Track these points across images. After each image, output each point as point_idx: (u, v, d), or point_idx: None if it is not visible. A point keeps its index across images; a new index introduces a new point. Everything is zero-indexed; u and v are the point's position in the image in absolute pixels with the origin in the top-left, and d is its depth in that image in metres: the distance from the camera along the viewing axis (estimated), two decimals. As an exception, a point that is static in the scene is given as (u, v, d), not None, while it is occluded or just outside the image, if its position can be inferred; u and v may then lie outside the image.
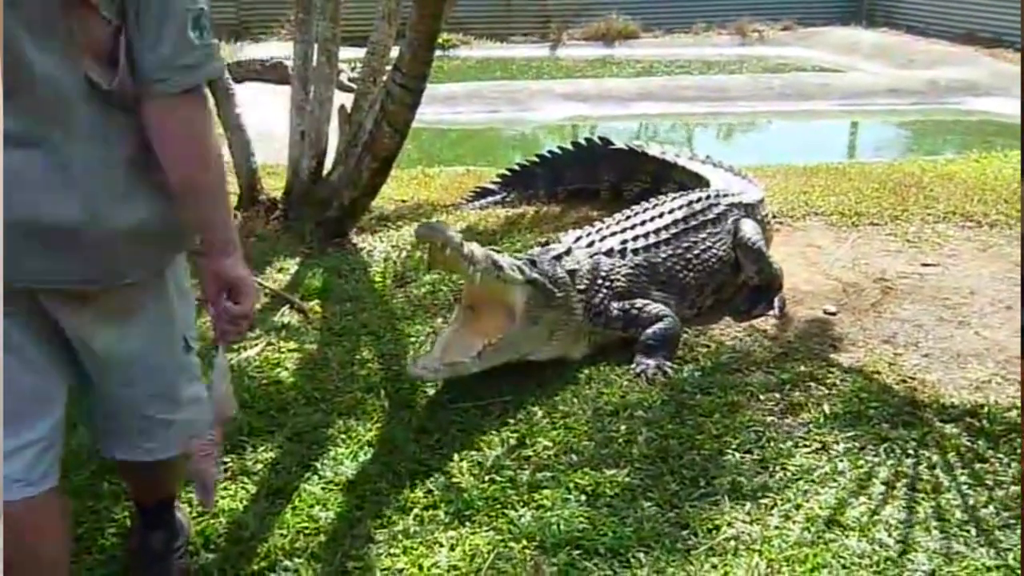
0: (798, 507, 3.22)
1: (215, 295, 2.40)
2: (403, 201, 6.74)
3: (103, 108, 2.11)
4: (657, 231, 4.72)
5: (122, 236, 2.20)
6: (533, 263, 4.18)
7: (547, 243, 4.69)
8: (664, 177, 6.23)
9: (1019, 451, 3.47)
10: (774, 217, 5.92)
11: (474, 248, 3.87)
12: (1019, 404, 3.76)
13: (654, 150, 6.52)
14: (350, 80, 10.36)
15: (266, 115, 8.43)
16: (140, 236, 2.24)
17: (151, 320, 2.42)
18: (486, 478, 3.39)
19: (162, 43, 2.09)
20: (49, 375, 2.31)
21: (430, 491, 3.32)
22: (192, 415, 2.58)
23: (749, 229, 4.99)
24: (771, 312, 4.72)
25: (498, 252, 4.23)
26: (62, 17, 2.01)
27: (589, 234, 4.71)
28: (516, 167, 6.98)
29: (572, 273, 4.31)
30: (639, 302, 4.38)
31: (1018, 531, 3.05)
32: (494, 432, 3.68)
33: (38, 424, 2.26)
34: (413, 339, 4.49)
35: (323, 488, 3.35)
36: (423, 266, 5.14)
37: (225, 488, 3.35)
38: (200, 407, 2.59)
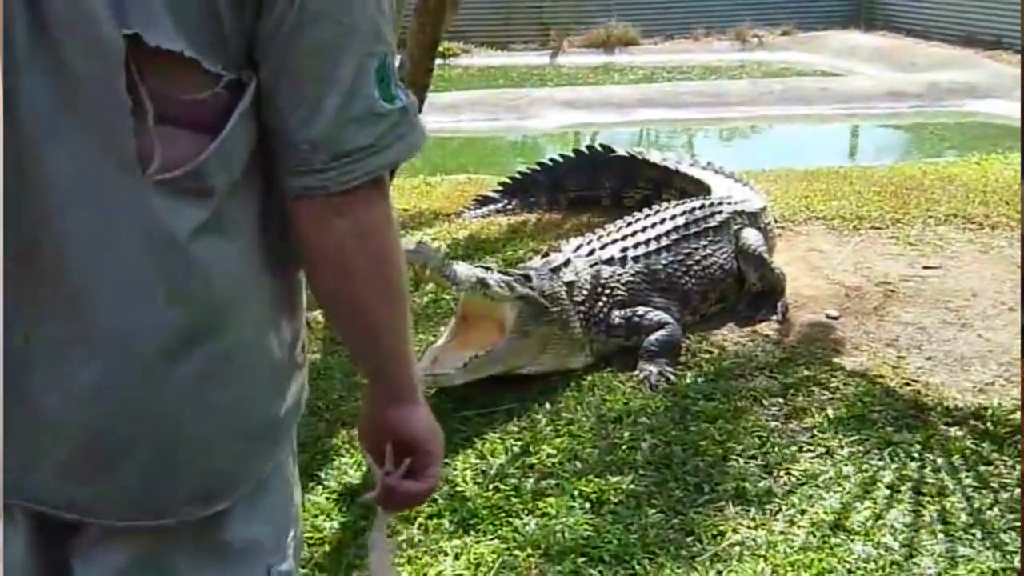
0: (803, 512, 3.22)
1: (377, 449, 1.59)
2: (405, 210, 6.75)
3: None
4: (658, 237, 4.72)
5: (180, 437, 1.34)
6: (528, 278, 4.17)
7: (547, 252, 4.68)
8: (665, 184, 6.22)
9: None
10: (776, 222, 5.92)
11: (458, 269, 3.88)
12: (1023, 405, 3.76)
13: (655, 157, 6.51)
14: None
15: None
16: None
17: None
18: (490, 486, 3.39)
19: (322, 112, 1.28)
20: None
21: (434, 500, 3.31)
22: None
23: (751, 237, 4.99)
24: (773, 317, 4.72)
25: (490, 266, 4.23)
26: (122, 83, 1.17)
27: (590, 242, 4.71)
28: (517, 175, 6.97)
29: (570, 285, 4.31)
30: (640, 309, 4.38)
31: (1024, 533, 3.05)
32: (498, 440, 3.69)
33: None
34: (416, 348, 4.48)
35: (327, 498, 3.35)
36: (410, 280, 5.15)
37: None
38: None
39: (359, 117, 1.29)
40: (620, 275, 4.49)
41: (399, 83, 1.34)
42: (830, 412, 3.81)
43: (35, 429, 1.26)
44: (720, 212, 5.04)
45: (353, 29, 1.27)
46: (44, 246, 1.21)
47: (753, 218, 5.22)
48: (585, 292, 4.35)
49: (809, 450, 3.59)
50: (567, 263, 4.43)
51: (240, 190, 1.30)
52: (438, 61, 5.79)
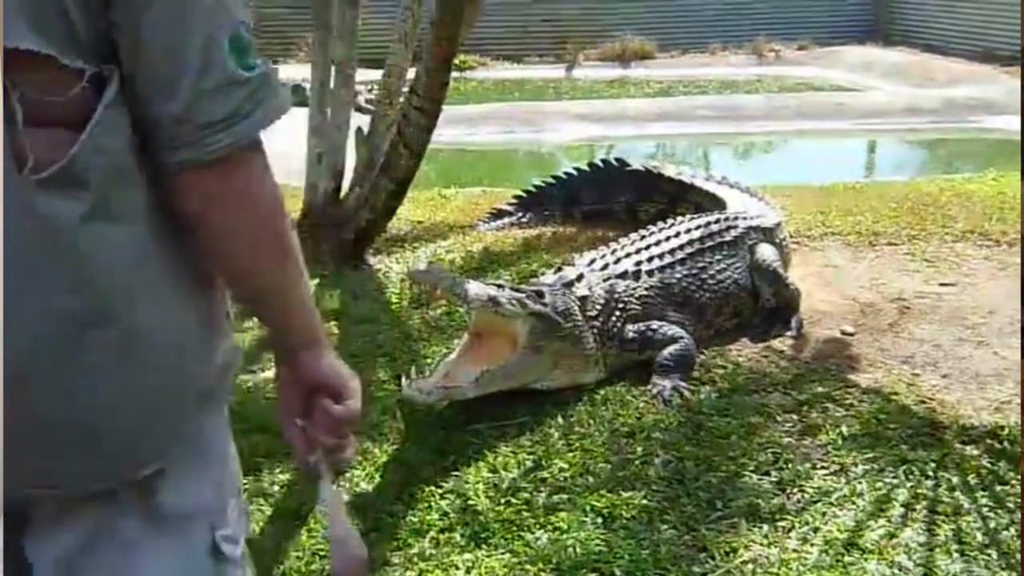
0: (816, 530, 3.20)
1: (299, 405, 1.71)
2: (419, 222, 6.76)
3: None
4: (672, 252, 4.71)
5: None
6: (540, 294, 4.17)
7: (561, 266, 4.68)
8: (680, 198, 6.22)
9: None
10: (791, 237, 5.90)
11: (469, 288, 3.90)
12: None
13: (670, 171, 6.51)
14: (367, 102, 10.41)
15: (284, 137, 8.40)
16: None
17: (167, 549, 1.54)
18: (502, 500, 3.38)
19: (179, 88, 1.33)
20: None
21: (446, 513, 3.31)
22: None
23: (766, 252, 4.98)
24: (788, 333, 4.70)
25: (502, 283, 4.24)
26: None
27: (604, 256, 4.71)
28: (532, 188, 6.98)
29: (583, 300, 4.31)
30: (654, 324, 4.37)
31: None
32: (510, 454, 3.68)
33: None
34: (429, 361, 4.49)
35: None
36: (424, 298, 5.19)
37: (241, 510, 3.35)
38: None
39: (215, 88, 1.35)
40: (634, 289, 4.49)
41: (254, 51, 1.39)
42: (844, 429, 3.79)
43: None
44: (735, 227, 5.03)
45: (196, 5, 1.33)
46: None
47: (768, 233, 5.20)
48: (599, 307, 4.34)
49: (823, 467, 3.57)
50: (580, 278, 4.42)
51: (125, 179, 1.36)
52: (454, 74, 5.81)
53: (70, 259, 1.31)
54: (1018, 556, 3.04)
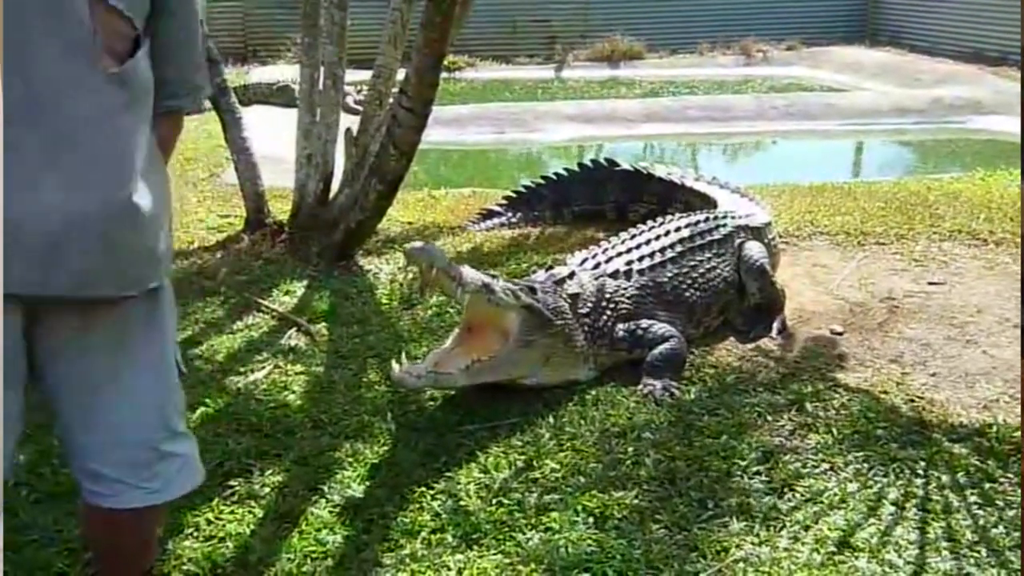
0: (807, 528, 3.21)
1: None
2: (409, 223, 6.76)
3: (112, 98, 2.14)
4: (662, 250, 4.73)
5: (128, 224, 2.17)
6: (532, 290, 4.18)
7: (551, 266, 4.68)
8: (670, 198, 6.23)
9: (1029, 471, 3.46)
10: (780, 237, 5.92)
11: (464, 271, 3.89)
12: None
13: (660, 171, 6.52)
14: (356, 103, 10.40)
15: (273, 139, 8.47)
16: (145, 224, 2.21)
17: (151, 340, 2.37)
18: (494, 501, 3.38)
19: (188, 62, 2.37)
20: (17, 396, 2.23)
21: (437, 514, 3.31)
22: (189, 450, 2.49)
23: (754, 250, 4.99)
24: (770, 335, 4.70)
25: (495, 276, 4.24)
26: (87, 15, 2.06)
27: (595, 255, 4.72)
28: (522, 188, 6.99)
29: (574, 297, 4.32)
30: (644, 323, 4.38)
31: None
32: (501, 454, 3.68)
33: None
34: (420, 362, 4.48)
35: (330, 512, 3.34)
36: (416, 288, 5.18)
37: (232, 512, 3.35)
38: (191, 446, 2.50)
39: (202, 64, 2.47)
40: (625, 288, 4.49)
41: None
42: (834, 429, 3.80)
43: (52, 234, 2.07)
44: (724, 225, 5.05)
45: (196, 12, 2.35)
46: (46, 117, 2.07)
47: (757, 232, 5.22)
48: (590, 305, 4.35)
49: (813, 466, 3.58)
50: (572, 275, 4.43)
51: (144, 93, 2.24)
52: (443, 75, 5.81)
53: (113, 132, 2.15)
54: (1008, 554, 3.05)
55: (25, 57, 2.01)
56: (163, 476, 2.41)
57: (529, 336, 4.05)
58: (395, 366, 3.89)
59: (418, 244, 3.88)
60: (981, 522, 3.23)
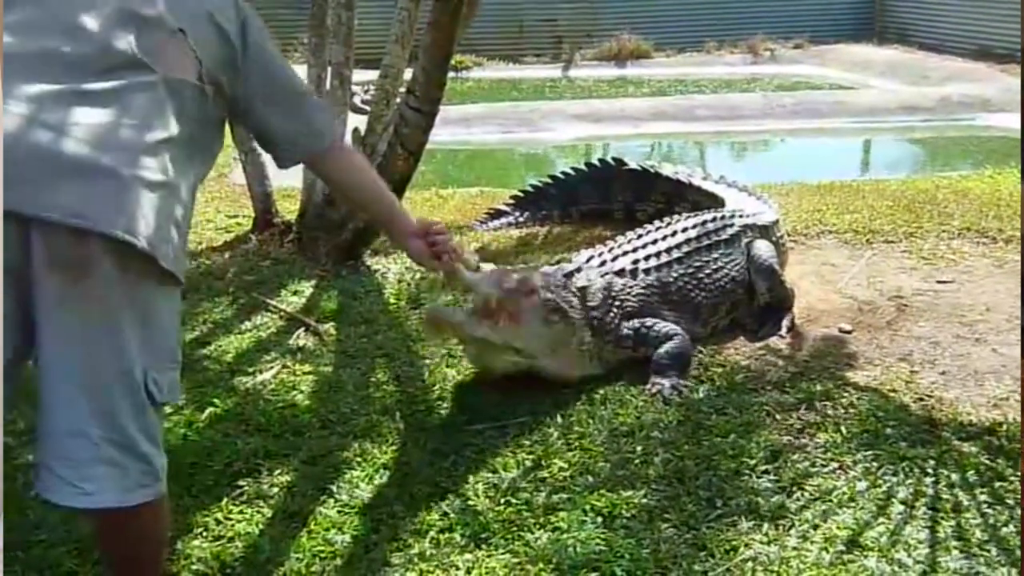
0: (816, 528, 3.20)
1: (424, 242, 3.01)
2: (417, 223, 6.75)
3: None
4: (669, 250, 4.72)
5: (139, 186, 2.22)
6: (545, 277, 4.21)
7: (559, 262, 4.69)
8: (678, 197, 6.22)
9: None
10: (788, 236, 5.91)
11: (481, 330, 3.97)
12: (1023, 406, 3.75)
13: (667, 170, 6.51)
14: (363, 103, 10.41)
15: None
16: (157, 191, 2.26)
17: (122, 329, 2.25)
18: (502, 500, 3.38)
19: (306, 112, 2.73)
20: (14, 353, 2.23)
21: (446, 514, 3.31)
22: (143, 468, 2.33)
23: (762, 249, 4.98)
24: (779, 333, 4.70)
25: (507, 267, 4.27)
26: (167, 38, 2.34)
27: (601, 254, 4.71)
28: (529, 188, 6.99)
29: (583, 291, 4.32)
30: (648, 321, 4.38)
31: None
32: (510, 454, 3.68)
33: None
34: (428, 361, 4.49)
35: (339, 511, 3.35)
36: (437, 288, 5.21)
37: (241, 512, 3.35)
38: (150, 467, 2.35)
39: (313, 114, 2.78)
40: (632, 287, 4.49)
41: None
42: (843, 427, 3.79)
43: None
44: (732, 225, 5.04)
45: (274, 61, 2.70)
46: None
47: (765, 231, 5.21)
48: (597, 300, 4.35)
49: (822, 465, 3.57)
50: (579, 270, 4.44)
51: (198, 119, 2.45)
52: (451, 74, 5.81)
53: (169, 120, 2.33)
54: (1018, 552, 3.04)
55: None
56: (99, 478, 2.27)
57: (540, 319, 4.09)
58: (428, 308, 4.14)
59: (433, 311, 4.14)
60: (991, 521, 3.21)
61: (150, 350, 2.33)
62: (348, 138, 6.28)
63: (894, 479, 3.46)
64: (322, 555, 3.12)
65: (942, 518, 3.24)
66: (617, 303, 4.40)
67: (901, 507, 3.31)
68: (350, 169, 2.86)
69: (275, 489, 3.49)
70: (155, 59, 2.31)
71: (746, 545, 3.11)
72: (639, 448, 3.68)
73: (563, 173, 6.94)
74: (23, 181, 2.08)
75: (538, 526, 3.23)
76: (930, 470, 3.51)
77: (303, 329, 4.92)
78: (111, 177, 2.17)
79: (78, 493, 2.27)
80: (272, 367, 4.47)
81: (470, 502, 3.37)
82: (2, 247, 2.09)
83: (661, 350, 4.25)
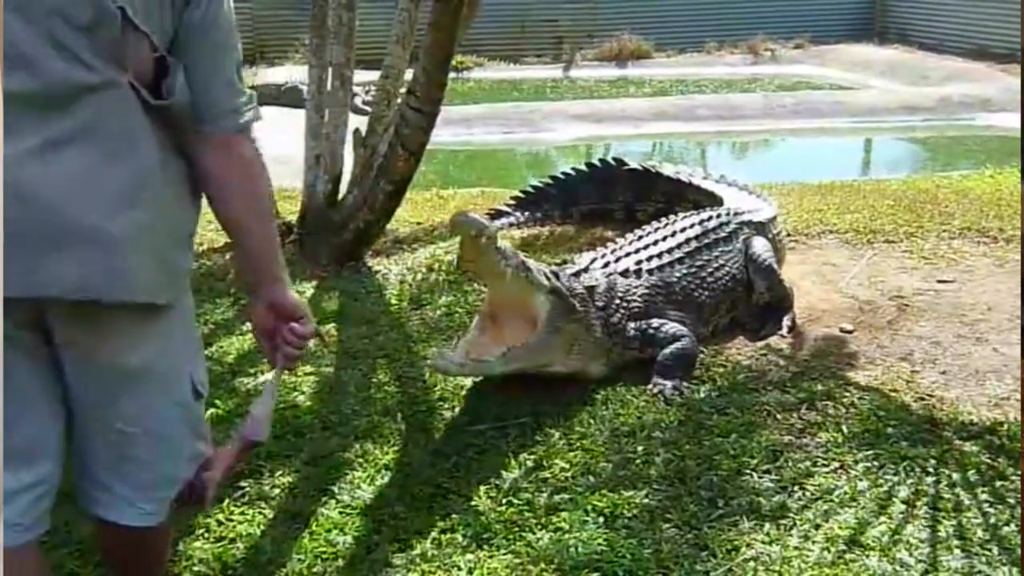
0: (817, 527, 3.20)
1: (273, 324, 2.42)
2: (418, 223, 6.77)
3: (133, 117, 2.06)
4: (671, 250, 4.72)
5: (131, 238, 2.06)
6: (556, 275, 4.20)
7: (563, 263, 4.69)
8: (678, 197, 6.23)
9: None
10: (788, 235, 5.91)
11: (506, 245, 3.89)
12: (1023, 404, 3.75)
13: (668, 170, 6.52)
14: (364, 103, 10.41)
15: (281, 139, 8.44)
16: (148, 238, 2.10)
17: (162, 350, 2.24)
18: (504, 501, 3.38)
19: (216, 87, 2.20)
20: (49, 413, 2.16)
21: (447, 514, 3.31)
22: (190, 474, 2.39)
23: (760, 247, 4.99)
24: (780, 332, 4.70)
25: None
26: (118, 35, 1.99)
27: (604, 255, 4.72)
28: (530, 188, 6.99)
29: (591, 290, 4.32)
30: (655, 322, 4.38)
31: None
32: (511, 454, 3.68)
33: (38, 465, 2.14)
34: (429, 362, 4.49)
35: (340, 512, 3.35)
36: (447, 277, 5.21)
37: (242, 513, 3.36)
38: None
39: (236, 92, 2.27)
40: (636, 287, 4.49)
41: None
42: (844, 427, 3.80)
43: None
44: (729, 223, 5.05)
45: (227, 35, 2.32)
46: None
47: (761, 228, 5.22)
48: (604, 299, 4.36)
49: (823, 465, 3.57)
50: (586, 270, 4.45)
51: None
52: (451, 75, 5.81)
53: (139, 125, 2.08)
54: (1019, 551, 3.04)
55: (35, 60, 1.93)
56: (156, 501, 2.35)
57: (557, 322, 4.06)
58: (434, 355, 4.00)
59: (466, 213, 3.80)
60: (992, 520, 3.21)
61: (187, 353, 2.37)
62: (349, 139, 6.30)
63: (895, 478, 3.47)
64: (324, 556, 3.12)
65: (943, 517, 3.25)
66: (623, 304, 4.40)
67: (902, 506, 3.31)
68: (231, 169, 2.25)
69: (277, 490, 3.49)
70: (114, 64, 2.02)
71: (748, 545, 3.12)
72: (640, 448, 3.69)
73: (564, 173, 6.94)
74: (17, 258, 1.94)
75: (540, 526, 3.23)
76: (931, 469, 3.51)
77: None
78: (99, 237, 2.02)
79: (140, 513, 2.33)
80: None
81: (472, 502, 3.38)
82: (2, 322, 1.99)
83: (667, 351, 4.25)
